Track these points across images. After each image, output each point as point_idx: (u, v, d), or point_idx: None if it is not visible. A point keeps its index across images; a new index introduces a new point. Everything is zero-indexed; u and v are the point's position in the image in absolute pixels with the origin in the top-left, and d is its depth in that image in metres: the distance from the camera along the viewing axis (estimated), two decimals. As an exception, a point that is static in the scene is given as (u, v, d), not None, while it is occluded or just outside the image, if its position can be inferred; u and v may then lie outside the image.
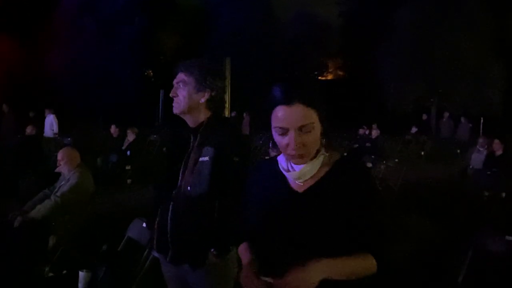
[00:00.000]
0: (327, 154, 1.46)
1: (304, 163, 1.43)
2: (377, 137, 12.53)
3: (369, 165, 9.92)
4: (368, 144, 12.18)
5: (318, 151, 1.45)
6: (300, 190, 1.47)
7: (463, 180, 8.64)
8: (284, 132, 1.38)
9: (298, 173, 1.45)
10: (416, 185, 9.05)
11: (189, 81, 2.03)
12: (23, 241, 3.90)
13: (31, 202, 4.20)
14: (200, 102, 2.05)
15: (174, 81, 2.08)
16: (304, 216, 1.40)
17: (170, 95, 2.07)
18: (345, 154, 12.61)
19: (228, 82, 5.81)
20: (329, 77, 35.84)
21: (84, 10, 22.99)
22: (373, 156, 10.15)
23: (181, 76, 2.05)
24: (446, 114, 16.72)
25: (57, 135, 11.52)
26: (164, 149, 12.10)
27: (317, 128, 1.40)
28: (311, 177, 1.45)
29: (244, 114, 16.58)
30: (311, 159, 1.43)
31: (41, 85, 20.10)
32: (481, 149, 8.84)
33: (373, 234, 1.37)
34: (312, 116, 1.37)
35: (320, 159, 1.44)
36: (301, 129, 1.36)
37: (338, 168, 1.44)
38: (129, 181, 8.89)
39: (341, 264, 1.34)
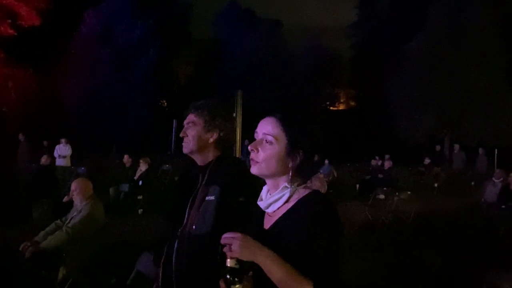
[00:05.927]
0: (297, 189, 1.46)
1: (256, 172, 1.49)
2: (390, 168, 12.44)
3: (382, 197, 9.82)
4: (380, 176, 12.08)
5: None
6: (266, 226, 1.50)
7: (477, 214, 8.50)
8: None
9: (264, 203, 1.50)
10: (430, 218, 8.91)
11: (198, 122, 2.09)
12: (34, 272, 3.91)
13: (43, 232, 4.23)
14: (209, 142, 2.09)
15: (185, 122, 2.13)
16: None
17: (180, 135, 2.11)
18: (358, 185, 12.61)
19: (239, 113, 5.88)
20: (341, 107, 35.99)
21: (99, 42, 23.55)
22: (385, 188, 10.04)
23: (191, 117, 2.11)
24: (457, 147, 16.49)
25: (63, 157, 11.58)
26: (176, 178, 12.14)
27: (277, 146, 1.46)
28: (279, 212, 1.47)
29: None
30: (276, 190, 1.47)
31: (56, 115, 20.46)
32: (496, 181, 8.71)
33: (316, 267, 1.32)
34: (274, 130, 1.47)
35: (285, 192, 1.46)
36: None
37: (298, 205, 1.43)
38: (140, 211, 8.90)
39: (279, 264, 1.31)
